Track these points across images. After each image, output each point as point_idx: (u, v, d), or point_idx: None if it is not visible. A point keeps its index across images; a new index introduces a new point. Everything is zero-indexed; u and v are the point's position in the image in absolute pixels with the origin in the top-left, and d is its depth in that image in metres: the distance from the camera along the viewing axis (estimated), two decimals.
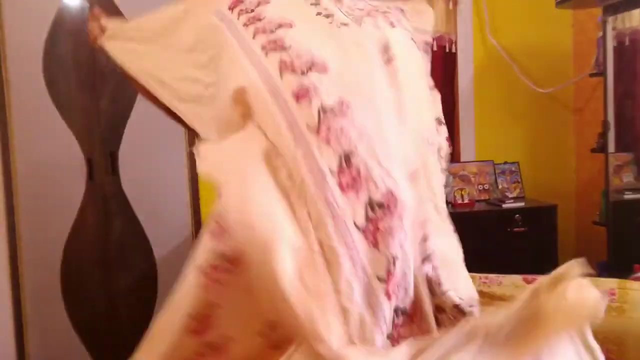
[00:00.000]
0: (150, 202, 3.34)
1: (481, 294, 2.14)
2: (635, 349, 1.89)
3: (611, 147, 3.08)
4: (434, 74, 3.53)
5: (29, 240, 3.23)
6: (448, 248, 1.64)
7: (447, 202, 3.42)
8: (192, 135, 3.29)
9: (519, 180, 3.63)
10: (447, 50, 3.60)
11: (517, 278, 2.19)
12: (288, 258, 1.28)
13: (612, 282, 2.03)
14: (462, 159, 3.66)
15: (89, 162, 3.26)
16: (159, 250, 3.36)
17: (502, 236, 3.26)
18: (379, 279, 1.35)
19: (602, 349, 1.81)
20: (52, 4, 3.20)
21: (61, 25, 3.21)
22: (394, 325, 1.43)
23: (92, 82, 3.25)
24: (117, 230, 3.31)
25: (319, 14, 1.51)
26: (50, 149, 3.22)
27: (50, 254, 3.25)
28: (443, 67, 3.62)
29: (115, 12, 3.25)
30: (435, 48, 3.52)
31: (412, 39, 1.71)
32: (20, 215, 3.22)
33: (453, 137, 3.70)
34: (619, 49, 3.06)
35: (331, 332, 1.27)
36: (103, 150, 3.28)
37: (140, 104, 3.28)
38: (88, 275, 3.29)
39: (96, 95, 3.26)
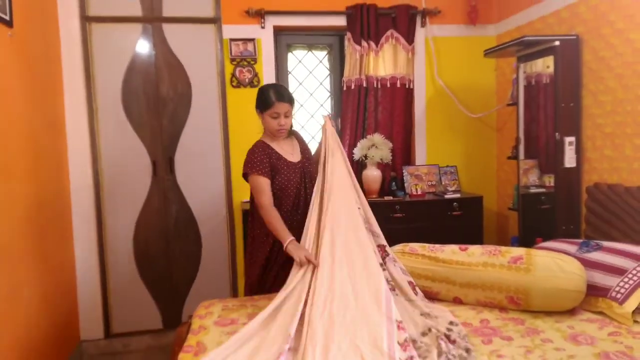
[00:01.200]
0: (197, 192, 3.30)
1: (429, 257, 2.17)
2: (537, 297, 1.93)
3: (521, 155, 3.07)
4: (397, 104, 3.53)
5: (111, 219, 3.21)
6: None
7: (406, 193, 3.41)
8: (227, 146, 3.24)
9: (457, 178, 3.59)
10: (407, 87, 3.54)
11: (454, 247, 2.19)
12: None
13: (521, 250, 2.06)
14: (416, 163, 3.61)
15: (154, 164, 3.23)
16: (203, 226, 3.32)
17: (444, 218, 3.22)
18: None
19: (514, 298, 1.95)
20: (127, 52, 3.17)
21: (134, 67, 3.18)
22: None
23: (156, 107, 3.22)
24: (173, 212, 3.29)
25: None
26: (127, 154, 3.20)
27: (125, 229, 3.23)
28: (404, 98, 3.55)
29: (175, 62, 3.21)
30: (399, 85, 3.51)
31: None
32: (105, 201, 3.20)
33: (411, 148, 3.65)
34: (527, 87, 3.02)
35: None
36: (164, 156, 3.25)
37: (190, 124, 3.26)
38: (153, 243, 3.27)
39: (159, 116, 3.22)
